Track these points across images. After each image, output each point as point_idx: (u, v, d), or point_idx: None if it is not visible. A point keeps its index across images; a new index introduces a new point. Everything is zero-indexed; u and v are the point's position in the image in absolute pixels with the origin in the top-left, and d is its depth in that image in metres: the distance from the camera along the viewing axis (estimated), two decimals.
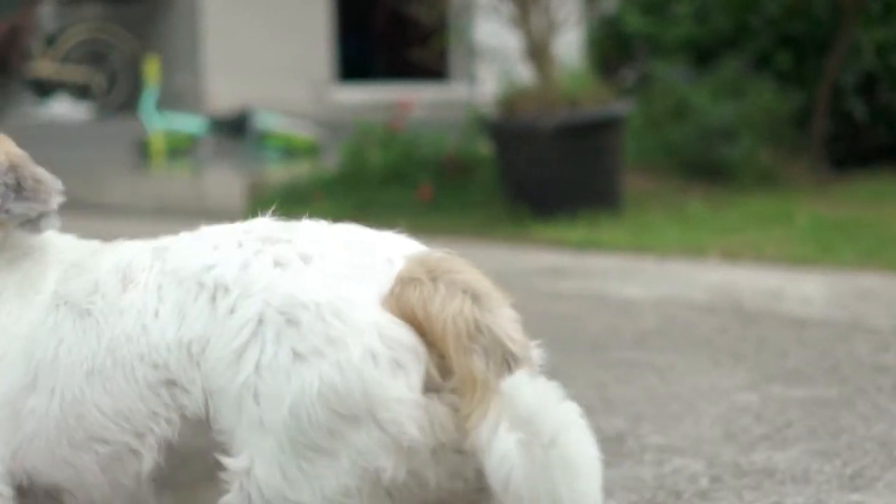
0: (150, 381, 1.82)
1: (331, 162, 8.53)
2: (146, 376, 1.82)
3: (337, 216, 6.69)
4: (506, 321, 1.76)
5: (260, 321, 1.77)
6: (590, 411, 3.62)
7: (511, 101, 7.33)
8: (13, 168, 2.06)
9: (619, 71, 9.37)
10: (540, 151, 7.09)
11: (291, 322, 1.75)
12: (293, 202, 7.87)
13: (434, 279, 1.77)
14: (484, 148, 7.94)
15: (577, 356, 4.23)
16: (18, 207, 2.03)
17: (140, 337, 1.85)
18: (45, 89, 12.97)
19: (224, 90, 12.49)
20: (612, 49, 9.48)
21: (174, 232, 2.03)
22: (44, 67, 13.06)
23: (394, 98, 12.65)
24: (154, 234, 2.03)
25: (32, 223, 2.04)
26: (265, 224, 1.99)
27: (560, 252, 6.43)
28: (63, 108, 12.80)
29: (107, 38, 13.18)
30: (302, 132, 9.69)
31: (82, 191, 8.79)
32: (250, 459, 1.73)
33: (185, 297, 1.85)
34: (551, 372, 4.05)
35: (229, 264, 1.84)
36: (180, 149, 9.62)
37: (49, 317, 1.93)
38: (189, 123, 9.90)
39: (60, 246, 2.06)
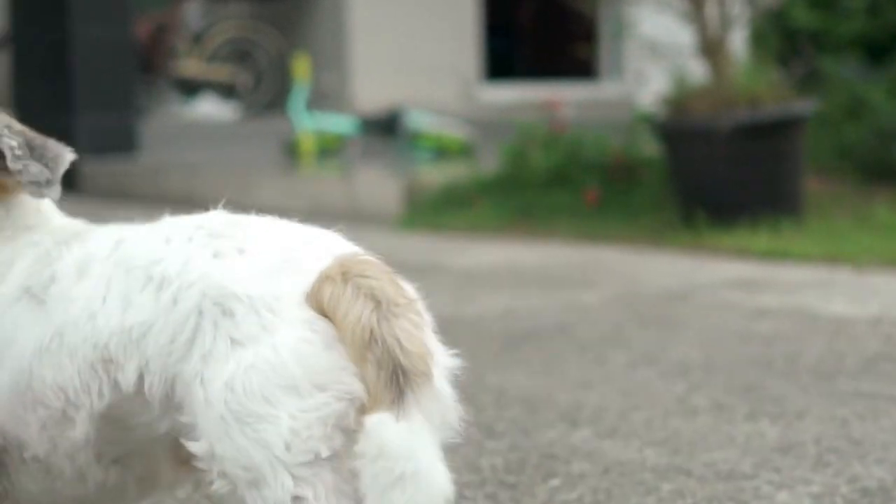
0: (90, 359, 1.95)
1: (483, 163, 8.04)
2: (86, 355, 1.96)
3: (498, 220, 6.19)
4: (402, 331, 1.78)
5: (200, 312, 1.86)
6: (839, 455, 3.17)
7: (683, 99, 6.79)
8: (21, 131, 2.10)
9: (785, 68, 8.78)
10: (717, 153, 6.55)
11: (226, 313, 1.83)
12: (451, 205, 7.41)
13: (345, 280, 1.81)
14: (650, 149, 7.41)
15: (799, 385, 3.70)
16: (34, 166, 2.07)
17: (87, 323, 1.97)
18: (190, 88, 12.67)
19: (370, 89, 12.09)
20: (777, 45, 8.90)
21: None
22: (190, 66, 12.76)
23: (542, 97, 12.19)
24: None
25: (39, 188, 2.08)
26: (217, 218, 1.99)
27: (744, 262, 5.88)
28: (209, 108, 12.48)
29: (253, 37, 12.85)
30: (454, 132, 9.22)
31: (232, 191, 8.41)
32: (208, 439, 1.83)
33: (132, 286, 1.95)
34: (778, 403, 3.58)
35: (175, 259, 1.92)
36: (330, 149, 9.21)
37: (13, 307, 2.05)
38: (339, 123, 9.47)
39: (45, 229, 2.14)
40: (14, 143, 2.09)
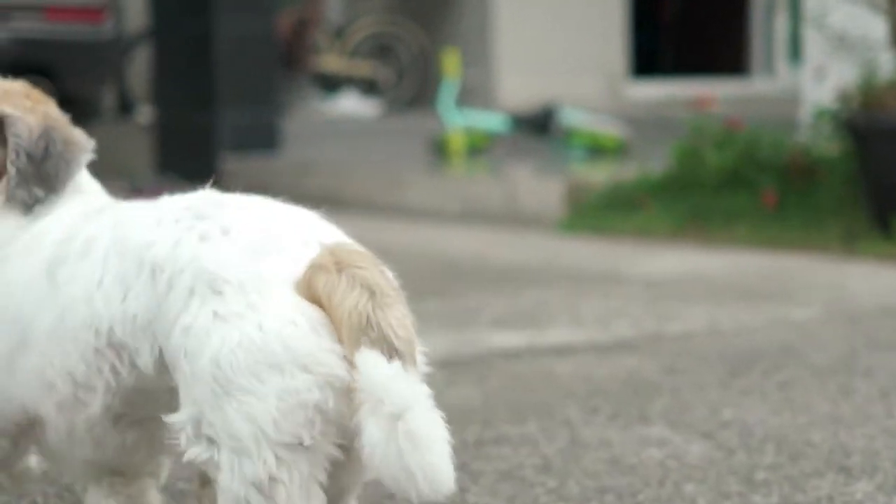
0: (93, 345, 1.96)
1: (638, 161, 7.43)
2: (88, 341, 1.97)
3: (669, 224, 5.50)
4: (394, 319, 1.82)
5: (191, 292, 1.87)
6: None
7: (875, 94, 6.13)
8: (45, 133, 2.17)
9: None
10: None
11: (216, 292, 1.85)
12: (616, 208, 6.82)
13: (339, 270, 1.83)
14: (831, 148, 6.75)
15: None
16: (21, 192, 2.15)
17: (84, 306, 1.97)
18: (331, 84, 12.20)
19: (515, 85, 11.54)
20: None
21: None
22: (331, 62, 12.29)
23: (690, 94, 11.57)
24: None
25: (27, 207, 2.15)
26: (203, 199, 1.99)
27: None
28: (350, 104, 11.99)
29: (395, 32, 12.35)
30: (609, 129, 8.62)
31: (379, 191, 7.89)
32: (195, 409, 1.85)
33: (128, 270, 1.95)
34: None
35: (165, 242, 1.93)
36: (478, 147, 8.66)
37: (37, 282, 2.06)
38: (489, 120, 8.91)
39: (78, 203, 2.17)
40: (13, 171, 2.16)
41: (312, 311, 1.83)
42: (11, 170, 2.16)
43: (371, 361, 1.77)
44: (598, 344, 3.94)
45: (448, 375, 3.54)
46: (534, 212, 7.05)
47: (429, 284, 5.10)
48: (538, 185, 7.18)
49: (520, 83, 11.54)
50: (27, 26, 6.19)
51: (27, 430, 2.11)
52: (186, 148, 9.28)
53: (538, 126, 8.59)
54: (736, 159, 6.80)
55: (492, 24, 11.89)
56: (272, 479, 1.79)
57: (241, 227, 1.90)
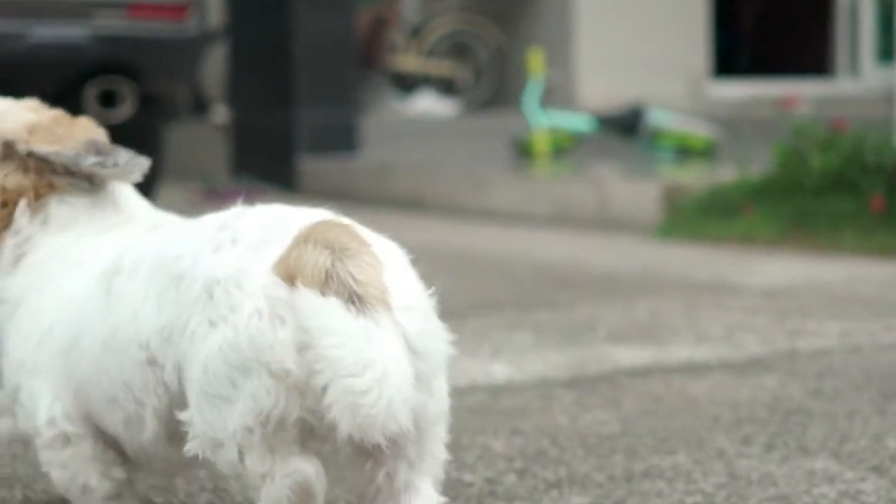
0: (139, 359, 2.02)
1: (732, 162, 7.10)
2: (136, 355, 2.02)
3: (772, 230, 5.11)
4: (354, 267, 1.82)
5: (196, 300, 1.93)
6: None
7: None
8: (88, 142, 2.25)
9: None
10: None
11: (209, 296, 1.91)
12: (717, 212, 6.50)
13: (307, 240, 1.86)
14: None
15: None
16: (124, 157, 2.23)
17: (132, 322, 2.03)
18: (408, 84, 11.93)
19: (595, 85, 11.22)
20: None
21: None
22: (408, 61, 12.02)
23: (772, 94, 11.22)
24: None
25: (127, 176, 2.25)
26: (232, 212, 2.02)
27: None
28: (427, 104, 11.71)
29: (472, 31, 12.06)
30: (698, 130, 8.30)
31: (463, 194, 7.61)
32: (192, 408, 1.93)
33: (162, 284, 2.00)
34: None
35: (189, 255, 1.98)
36: (563, 148, 8.36)
37: (94, 289, 2.12)
38: (575, 121, 8.61)
39: (136, 220, 2.27)
40: (91, 160, 2.25)
41: (279, 293, 1.85)
42: (92, 165, 2.24)
43: (327, 310, 1.79)
44: (729, 362, 3.64)
45: (578, 397, 3.25)
46: (627, 216, 6.74)
47: (533, 294, 4.82)
48: (631, 188, 6.87)
49: (600, 83, 11.22)
50: (109, 24, 5.95)
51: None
52: (263, 149, 9.02)
53: (626, 127, 8.27)
54: (841, 162, 6.46)
55: (572, 23, 11.58)
56: (242, 465, 1.87)
57: (246, 232, 1.94)
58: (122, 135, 6.69)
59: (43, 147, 2.24)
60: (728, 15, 12.83)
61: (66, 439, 2.15)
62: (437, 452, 1.92)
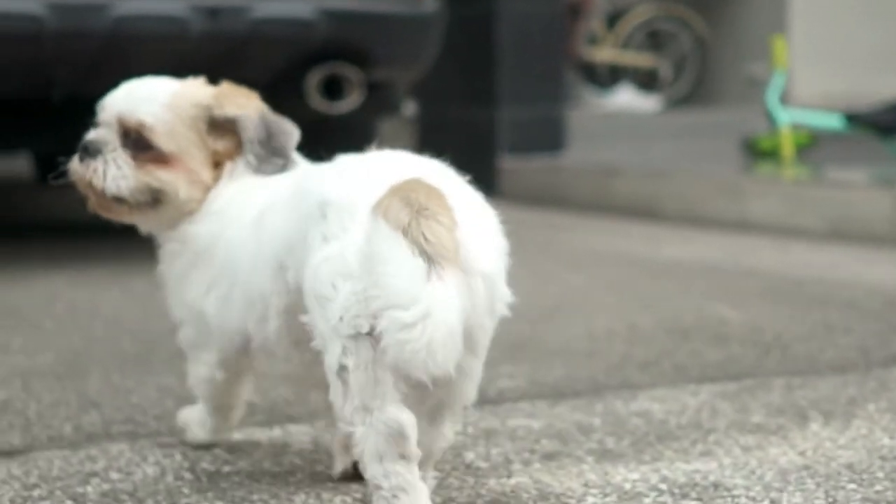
0: (273, 267, 2.26)
1: None
2: (271, 265, 2.27)
3: None
4: (427, 228, 1.93)
5: (311, 216, 2.14)
6: None
7: None
8: (262, 120, 2.47)
9: None
10: None
11: (323, 216, 2.11)
12: None
13: (395, 194, 1.98)
14: None
15: None
16: (269, 167, 2.47)
17: (272, 240, 2.27)
18: (605, 77, 10.86)
19: (811, 80, 10.08)
20: None
21: None
22: (604, 53, 10.94)
23: None
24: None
25: (284, 153, 2.48)
26: (360, 156, 2.20)
27: None
28: (628, 98, 10.62)
29: (672, 21, 10.96)
30: None
31: (707, 201, 6.48)
32: (310, 314, 2.12)
33: (294, 207, 2.22)
34: None
35: (315, 182, 2.19)
36: (802, 147, 7.25)
37: (249, 229, 2.38)
38: (821, 118, 7.46)
39: (290, 175, 2.46)
40: (252, 158, 2.48)
41: (383, 226, 1.95)
42: (251, 157, 2.46)
43: (393, 242, 1.91)
44: None
45: None
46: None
47: (875, 335, 3.65)
48: None
49: (815, 77, 10.07)
50: None
51: (242, 358, 2.44)
52: (455, 146, 7.97)
53: (885, 126, 7.11)
54: None
55: (784, 12, 10.43)
56: (342, 367, 2.02)
57: (355, 169, 2.13)
58: (336, 129, 5.59)
59: (234, 110, 2.45)
60: None
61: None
62: (459, 407, 2.09)
